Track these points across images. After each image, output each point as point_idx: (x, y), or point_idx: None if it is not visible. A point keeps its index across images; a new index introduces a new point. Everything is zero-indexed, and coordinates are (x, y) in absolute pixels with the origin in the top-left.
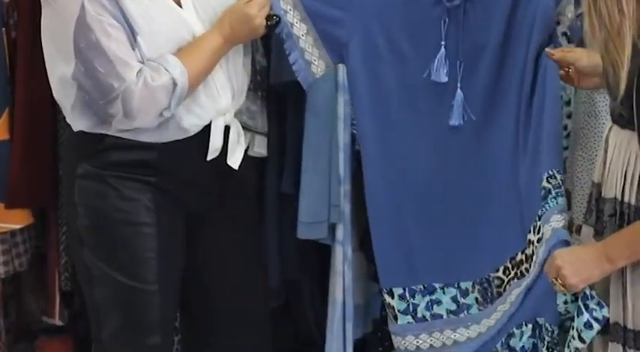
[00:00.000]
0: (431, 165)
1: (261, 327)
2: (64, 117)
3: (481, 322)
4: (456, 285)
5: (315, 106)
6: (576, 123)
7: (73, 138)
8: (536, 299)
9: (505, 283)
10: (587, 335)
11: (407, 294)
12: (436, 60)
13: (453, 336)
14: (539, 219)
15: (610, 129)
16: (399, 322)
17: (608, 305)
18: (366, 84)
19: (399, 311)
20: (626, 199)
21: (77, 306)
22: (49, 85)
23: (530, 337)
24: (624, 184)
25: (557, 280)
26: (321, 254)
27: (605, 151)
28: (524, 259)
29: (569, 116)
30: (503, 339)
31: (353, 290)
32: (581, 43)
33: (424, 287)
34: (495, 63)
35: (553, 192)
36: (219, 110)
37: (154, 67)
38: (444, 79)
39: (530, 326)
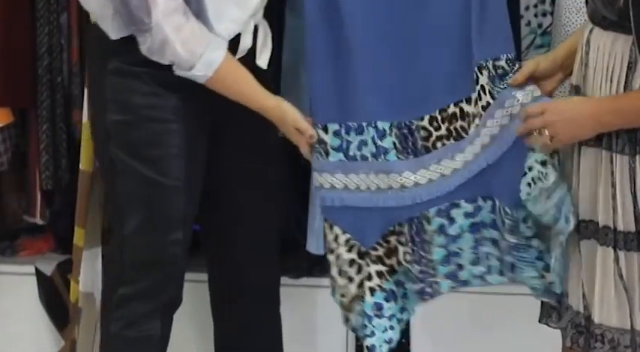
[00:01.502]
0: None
1: (272, 237)
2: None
3: (403, 173)
4: (373, 124)
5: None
6: (558, 20)
7: (103, 36)
8: (497, 177)
9: (434, 138)
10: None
11: (342, 131)
12: None
13: (375, 181)
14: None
15: (591, 30)
16: (330, 158)
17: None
18: None
19: (331, 147)
20: None
21: (58, 205)
22: None
23: (490, 212)
24: (610, 87)
25: (542, 132)
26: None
27: (587, 53)
28: (458, 113)
29: (543, 14)
30: (443, 207)
31: None
32: None
33: (357, 125)
34: None
35: (510, 75)
36: (251, 14)
37: (196, 34)
38: None
39: (489, 202)
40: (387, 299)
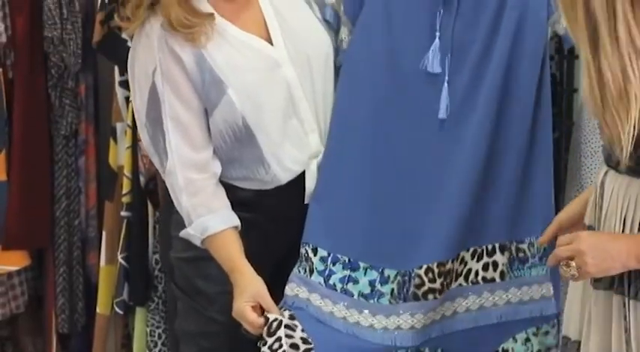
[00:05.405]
0: (402, 148)
1: None
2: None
3: (390, 317)
4: (379, 270)
5: None
6: (572, 163)
7: None
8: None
9: (426, 289)
10: None
11: (329, 259)
12: (430, 51)
13: (356, 317)
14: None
15: (606, 173)
16: (312, 278)
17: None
18: (359, 53)
19: (316, 269)
20: None
21: (74, 349)
22: (46, 126)
23: None
24: (623, 230)
25: (569, 263)
26: None
27: (601, 196)
28: (454, 271)
29: None
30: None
31: None
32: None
33: (349, 260)
34: (480, 62)
35: (530, 261)
36: (311, 155)
37: (207, 196)
38: (438, 69)
39: None
40: None
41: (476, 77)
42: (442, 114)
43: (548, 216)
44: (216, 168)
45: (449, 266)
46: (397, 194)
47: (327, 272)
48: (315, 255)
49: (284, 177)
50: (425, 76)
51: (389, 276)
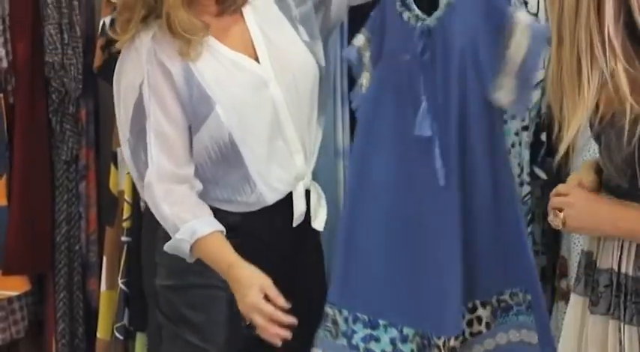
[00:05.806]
0: (413, 213)
1: None
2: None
3: None
4: (399, 328)
5: None
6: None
7: None
8: None
9: None
10: None
11: (350, 319)
12: (419, 114)
13: None
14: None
15: None
16: (337, 341)
17: None
18: (367, 121)
19: (341, 330)
20: (622, 270)
21: None
22: (47, 151)
23: None
24: (621, 255)
25: (557, 213)
26: None
27: None
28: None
29: None
30: None
31: None
32: None
33: (369, 319)
34: (457, 124)
35: (515, 309)
36: (297, 176)
37: (189, 203)
38: (428, 132)
39: None
40: None
41: (460, 139)
42: (441, 180)
43: (526, 266)
44: (198, 184)
45: (452, 342)
46: (407, 256)
47: (349, 332)
48: (340, 315)
49: (270, 197)
50: (420, 141)
51: (408, 335)
